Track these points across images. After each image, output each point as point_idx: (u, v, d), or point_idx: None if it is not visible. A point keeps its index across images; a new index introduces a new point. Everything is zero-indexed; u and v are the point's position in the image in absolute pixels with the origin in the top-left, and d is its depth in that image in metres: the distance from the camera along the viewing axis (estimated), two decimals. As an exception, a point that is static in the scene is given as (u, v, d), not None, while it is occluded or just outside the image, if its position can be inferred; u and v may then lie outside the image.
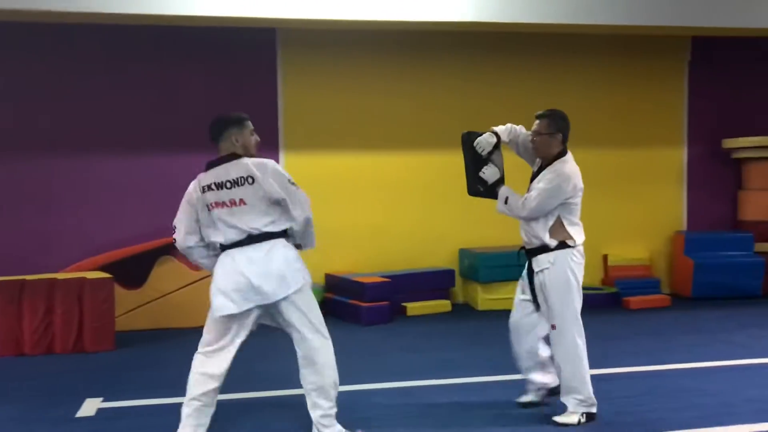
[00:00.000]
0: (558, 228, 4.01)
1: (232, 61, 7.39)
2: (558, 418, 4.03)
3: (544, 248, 4.02)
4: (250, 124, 3.75)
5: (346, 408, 4.34)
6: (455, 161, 7.80)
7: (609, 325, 6.67)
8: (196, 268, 6.90)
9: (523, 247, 4.21)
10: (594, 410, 4.06)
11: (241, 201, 3.56)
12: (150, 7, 6.10)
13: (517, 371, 5.15)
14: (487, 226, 7.92)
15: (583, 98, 8.06)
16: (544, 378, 4.25)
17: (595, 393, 4.21)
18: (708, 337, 6.15)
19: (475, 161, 4.19)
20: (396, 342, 6.10)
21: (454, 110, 7.82)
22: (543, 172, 4.06)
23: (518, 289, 4.27)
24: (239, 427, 4.08)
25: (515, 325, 4.26)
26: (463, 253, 7.80)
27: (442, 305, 7.41)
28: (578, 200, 4.06)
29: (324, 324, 3.79)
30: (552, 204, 3.98)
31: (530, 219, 4.04)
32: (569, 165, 4.05)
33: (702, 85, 8.38)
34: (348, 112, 7.63)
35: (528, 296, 4.18)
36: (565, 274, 3.98)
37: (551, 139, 4.05)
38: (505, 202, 4.09)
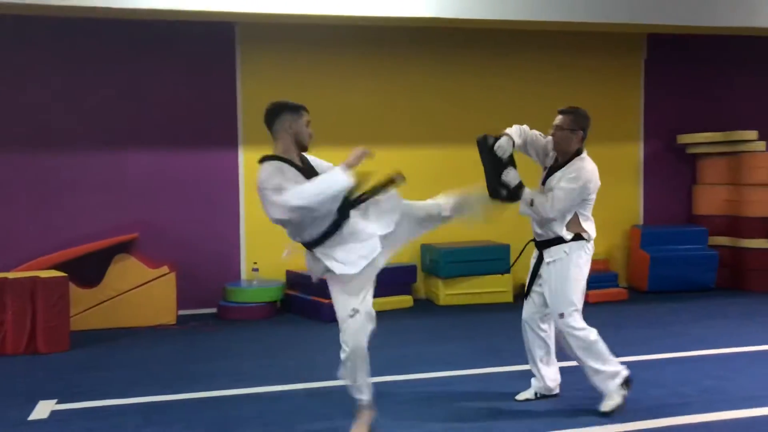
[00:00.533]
0: (574, 223, 4.11)
1: (191, 56, 7.27)
2: (602, 407, 4.06)
3: (559, 240, 4.09)
4: (306, 113, 3.72)
5: (305, 406, 4.32)
6: (416, 156, 7.89)
7: (568, 318, 6.75)
8: (153, 266, 6.80)
9: (533, 239, 4.27)
10: (627, 373, 4.09)
11: None
12: (106, 0, 5.96)
13: (474, 365, 5.20)
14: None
15: (542, 95, 8.13)
16: (550, 374, 4.33)
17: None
18: (663, 329, 6.26)
19: (494, 165, 4.10)
20: (357, 338, 6.08)
21: (414, 106, 7.83)
22: (563, 170, 4.10)
23: (529, 283, 4.30)
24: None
25: (529, 318, 4.31)
26: (425, 249, 7.81)
27: (404, 301, 7.42)
28: (594, 197, 4.16)
29: (342, 330, 3.64)
30: (577, 202, 4.07)
31: (557, 219, 4.06)
32: (589, 163, 4.14)
33: (658, 82, 8.53)
34: (312, 107, 7.54)
35: (539, 288, 4.22)
36: (578, 265, 4.07)
37: (572, 135, 4.14)
38: (531, 205, 4.05)
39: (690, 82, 8.61)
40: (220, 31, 7.24)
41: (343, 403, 4.33)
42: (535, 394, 4.34)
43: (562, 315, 4.05)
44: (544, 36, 7.93)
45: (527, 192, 4.08)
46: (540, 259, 4.19)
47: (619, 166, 8.47)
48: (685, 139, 8.40)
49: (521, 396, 4.34)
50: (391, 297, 7.32)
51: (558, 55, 8.19)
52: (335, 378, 4.79)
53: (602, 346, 4.08)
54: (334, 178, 3.46)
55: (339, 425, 3.95)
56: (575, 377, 4.77)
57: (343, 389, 4.60)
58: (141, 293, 6.65)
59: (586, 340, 4.04)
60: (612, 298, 7.63)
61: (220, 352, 5.75)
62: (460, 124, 7.86)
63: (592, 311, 7.04)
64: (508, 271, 6.28)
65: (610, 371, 4.07)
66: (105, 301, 6.59)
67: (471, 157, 4.43)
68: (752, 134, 7.99)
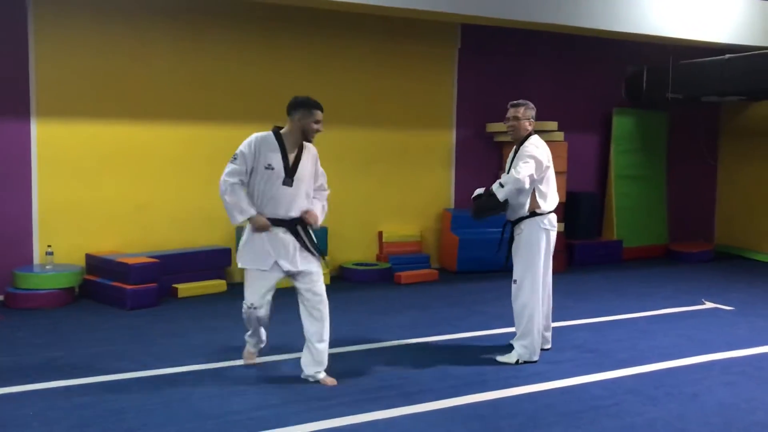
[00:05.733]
0: (531, 199, 4.82)
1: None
2: (500, 357, 4.89)
3: (521, 219, 4.89)
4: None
5: (96, 403, 4.00)
6: (234, 136, 7.57)
7: (381, 299, 6.88)
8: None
9: (508, 220, 5.01)
10: (535, 359, 4.85)
11: None
12: None
13: (281, 351, 5.14)
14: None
15: (361, 78, 8.17)
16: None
17: (361, 366, 4.28)
18: (467, 309, 6.56)
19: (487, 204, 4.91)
20: (163, 326, 5.77)
21: (229, 85, 7.53)
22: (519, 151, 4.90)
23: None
24: None
25: None
26: (240, 231, 7.56)
27: (217, 285, 7.14)
28: (548, 173, 4.86)
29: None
30: (537, 171, 4.76)
31: (527, 185, 4.66)
32: (535, 141, 4.91)
33: (470, 71, 8.88)
34: (114, 78, 7.00)
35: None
36: (530, 239, 4.84)
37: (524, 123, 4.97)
38: (501, 186, 4.71)
39: (499, 72, 9.05)
40: (9, -12, 6.50)
41: (139, 398, 4.07)
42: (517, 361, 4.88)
43: (515, 281, 4.92)
44: (365, 18, 7.94)
45: (494, 185, 4.77)
46: (511, 236, 5.00)
47: (434, 151, 8.74)
48: (492, 127, 8.83)
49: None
50: (203, 282, 7.05)
51: (378, 38, 8.24)
52: (136, 369, 4.53)
53: (538, 319, 4.84)
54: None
55: (132, 424, 3.70)
56: (379, 357, 4.84)
57: (143, 381, 4.35)
58: None
59: (519, 307, 4.89)
60: (424, 279, 7.88)
61: (2, 344, 5.19)
62: (275, 101, 7.68)
63: (404, 292, 7.28)
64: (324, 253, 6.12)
65: (529, 343, 4.83)
66: None
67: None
68: (552, 125, 8.56)
